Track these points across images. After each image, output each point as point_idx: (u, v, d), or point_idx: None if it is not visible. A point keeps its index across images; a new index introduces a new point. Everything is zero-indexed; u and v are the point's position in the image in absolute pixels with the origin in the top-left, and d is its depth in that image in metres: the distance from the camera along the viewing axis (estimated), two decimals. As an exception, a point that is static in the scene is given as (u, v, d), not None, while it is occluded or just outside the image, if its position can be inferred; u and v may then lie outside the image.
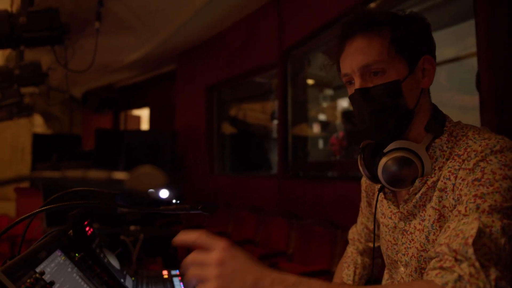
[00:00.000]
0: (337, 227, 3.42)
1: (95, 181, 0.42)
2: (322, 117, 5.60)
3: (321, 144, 5.49)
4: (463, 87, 3.57)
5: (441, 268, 0.79)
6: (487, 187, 0.88)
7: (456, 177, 0.97)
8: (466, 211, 0.88)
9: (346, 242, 3.22)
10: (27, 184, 8.77)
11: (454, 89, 3.76)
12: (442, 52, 3.47)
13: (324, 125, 5.48)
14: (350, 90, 1.10)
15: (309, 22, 4.23)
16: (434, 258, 0.84)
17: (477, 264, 0.77)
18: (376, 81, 1.04)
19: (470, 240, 0.80)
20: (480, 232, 0.82)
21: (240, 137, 6.70)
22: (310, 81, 5.19)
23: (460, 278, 0.76)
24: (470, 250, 0.78)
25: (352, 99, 1.09)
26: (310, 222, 3.81)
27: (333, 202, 3.78)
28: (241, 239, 4.49)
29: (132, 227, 3.84)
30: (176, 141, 6.76)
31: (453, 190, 0.98)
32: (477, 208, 0.86)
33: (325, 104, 5.59)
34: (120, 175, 0.40)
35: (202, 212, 0.97)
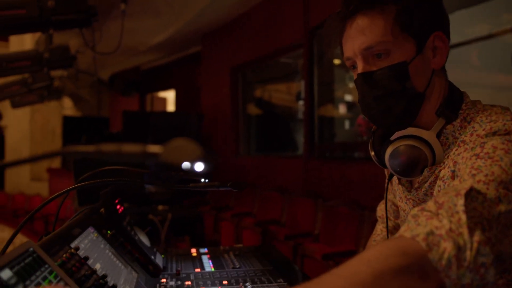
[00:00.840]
0: (363, 208, 3.41)
1: (130, 155, 0.42)
2: (348, 97, 5.52)
3: (347, 125, 5.43)
4: (497, 65, 3.44)
5: (416, 221, 0.67)
6: (485, 160, 0.79)
7: (455, 163, 0.91)
8: (459, 182, 0.78)
9: (372, 223, 3.20)
10: (59, 165, 9.01)
11: (486, 68, 3.64)
12: (474, 29, 3.36)
13: (350, 106, 5.41)
14: (354, 75, 1.03)
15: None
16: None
17: (463, 217, 0.65)
18: (380, 64, 0.96)
19: (463, 192, 0.69)
20: (472, 196, 0.70)
21: (265, 118, 6.69)
22: (336, 61, 5.11)
23: (433, 231, 0.64)
24: (461, 202, 0.67)
25: (356, 84, 1.02)
26: (336, 203, 3.79)
27: (359, 183, 3.75)
28: (267, 219, 4.52)
29: (160, 207, 3.92)
30: (202, 122, 6.81)
31: (452, 177, 0.91)
32: (473, 176, 0.76)
33: (351, 85, 5.51)
34: (154, 148, 0.40)
35: (231, 189, 0.98)
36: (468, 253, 0.62)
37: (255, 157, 6.34)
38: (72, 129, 9.33)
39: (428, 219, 0.65)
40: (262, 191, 5.11)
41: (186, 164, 0.36)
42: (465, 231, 0.63)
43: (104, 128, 9.49)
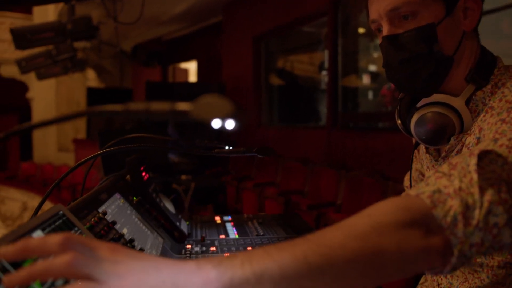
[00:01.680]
0: (387, 179, 3.38)
1: (158, 113, 0.41)
2: (372, 68, 5.41)
3: (370, 95, 5.34)
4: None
5: (425, 182, 0.64)
6: (511, 124, 0.75)
7: (481, 130, 0.86)
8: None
9: (397, 194, 3.18)
10: (84, 136, 9.17)
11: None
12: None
13: (374, 76, 5.30)
14: (380, 38, 0.99)
15: (361, -35, 4.01)
16: None
17: (475, 177, 0.61)
18: (406, 26, 0.92)
19: (476, 152, 0.65)
20: (492, 158, 0.66)
21: (287, 89, 6.63)
22: (361, 30, 4.99)
23: (441, 189, 0.61)
24: (473, 161, 0.64)
25: (381, 48, 0.98)
26: (359, 173, 3.77)
27: (383, 153, 3.71)
28: (289, 189, 4.54)
29: (183, 177, 3.97)
30: (224, 92, 6.79)
31: (477, 144, 0.86)
32: (495, 142, 0.72)
33: (376, 54, 5.39)
34: (184, 105, 0.39)
35: (257, 155, 0.97)
36: (477, 212, 0.59)
37: (277, 128, 6.32)
38: (96, 100, 9.43)
39: (438, 179, 0.63)
40: (285, 161, 5.11)
41: (216, 122, 0.35)
42: (475, 190, 0.60)
43: (127, 99, 9.58)
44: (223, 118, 0.37)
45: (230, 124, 0.37)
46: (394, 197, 0.64)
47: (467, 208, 0.59)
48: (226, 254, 1.24)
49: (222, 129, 0.38)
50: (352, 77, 5.06)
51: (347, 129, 4.56)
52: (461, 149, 0.95)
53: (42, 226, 0.69)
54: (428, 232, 0.58)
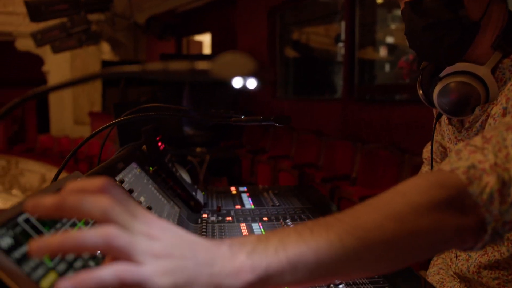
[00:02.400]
0: (404, 152, 3.34)
1: (177, 73, 0.40)
2: (390, 39, 5.29)
3: (387, 68, 5.25)
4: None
5: (458, 156, 0.61)
6: None
7: (508, 100, 0.83)
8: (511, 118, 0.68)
9: (413, 167, 3.15)
10: (100, 109, 9.24)
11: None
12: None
13: (392, 48, 5.20)
14: (402, 4, 0.95)
15: None
16: None
17: (511, 152, 0.58)
18: None
19: None
20: None
21: (303, 61, 6.54)
22: (379, 0, 4.87)
23: (475, 164, 0.58)
24: (511, 136, 0.60)
25: (403, 14, 0.95)
26: (375, 146, 3.74)
27: (400, 126, 3.66)
28: (304, 162, 4.53)
29: (198, 149, 3.99)
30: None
31: (503, 114, 0.84)
32: None
33: (393, 26, 5.26)
34: (203, 64, 0.38)
35: (274, 123, 0.95)
36: None
37: (293, 100, 6.28)
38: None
39: (471, 153, 0.60)
40: (299, 134, 5.09)
41: (237, 80, 0.33)
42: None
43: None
44: (245, 77, 0.35)
45: (252, 83, 0.35)
46: (426, 173, 0.62)
47: (503, 185, 0.56)
48: (242, 225, 1.24)
49: (244, 88, 0.37)
50: (369, 49, 4.97)
51: (363, 102, 4.50)
52: (486, 120, 0.92)
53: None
54: (463, 209, 0.56)
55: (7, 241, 0.49)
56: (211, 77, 0.37)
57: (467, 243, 0.57)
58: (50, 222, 0.60)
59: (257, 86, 0.36)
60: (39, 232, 0.55)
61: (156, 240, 0.45)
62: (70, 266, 0.55)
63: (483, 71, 0.91)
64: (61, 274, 0.52)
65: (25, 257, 0.49)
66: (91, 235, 0.42)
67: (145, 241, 0.44)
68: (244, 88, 0.37)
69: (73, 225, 0.63)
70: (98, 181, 0.45)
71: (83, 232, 0.42)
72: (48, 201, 0.44)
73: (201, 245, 0.47)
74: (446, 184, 0.57)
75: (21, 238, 0.52)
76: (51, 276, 0.50)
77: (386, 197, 0.56)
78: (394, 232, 0.52)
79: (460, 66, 0.93)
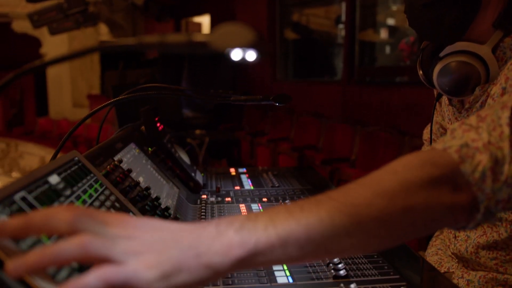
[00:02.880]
0: (404, 133, 3.33)
1: (174, 45, 0.39)
2: (390, 21, 5.24)
3: (388, 50, 5.21)
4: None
5: (452, 135, 0.60)
6: None
7: (507, 79, 0.81)
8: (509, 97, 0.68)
9: (413, 149, 3.14)
10: (98, 91, 9.19)
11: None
12: None
13: (392, 30, 5.14)
14: None
15: None
16: None
17: (506, 131, 0.57)
18: None
19: (510, 104, 0.60)
20: None
21: (303, 43, 6.48)
22: (380, -20, 4.80)
23: (468, 143, 0.57)
24: (506, 114, 0.59)
25: None
26: (375, 128, 3.73)
27: (401, 108, 3.65)
28: (303, 145, 4.52)
29: (197, 131, 3.97)
30: (238, 48, 6.66)
31: (502, 94, 0.82)
32: None
33: (394, 7, 5.20)
34: (201, 36, 0.37)
35: (274, 103, 0.94)
36: (506, 167, 0.55)
37: (292, 83, 6.24)
38: (109, 55, 9.36)
39: (465, 132, 0.59)
40: (299, 116, 5.07)
41: (236, 52, 0.32)
42: (506, 145, 0.56)
43: (141, 54, 9.49)
44: (244, 48, 0.34)
45: (251, 55, 0.34)
46: (419, 151, 0.61)
47: (496, 163, 0.56)
48: (241, 205, 1.24)
49: (242, 60, 0.36)
50: (369, 31, 4.92)
51: (364, 84, 4.48)
52: (486, 100, 0.91)
53: (58, 171, 0.68)
54: (455, 188, 0.55)
55: (3, 219, 0.49)
56: (209, 49, 0.36)
57: (460, 222, 0.57)
58: (47, 200, 0.60)
59: (256, 58, 0.35)
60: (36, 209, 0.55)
61: (133, 238, 0.44)
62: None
63: (483, 50, 0.89)
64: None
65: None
66: (67, 246, 0.42)
67: (122, 241, 0.44)
68: (243, 60, 0.36)
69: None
70: (65, 216, 0.44)
71: (58, 245, 0.42)
72: (14, 222, 0.43)
73: (184, 230, 0.47)
74: (438, 162, 0.56)
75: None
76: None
77: (377, 175, 0.56)
78: (384, 209, 0.51)
79: (460, 45, 0.92)
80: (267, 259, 0.48)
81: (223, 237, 0.46)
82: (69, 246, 0.42)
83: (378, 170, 0.56)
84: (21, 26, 8.59)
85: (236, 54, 0.35)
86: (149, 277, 0.42)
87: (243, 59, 0.35)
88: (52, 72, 9.38)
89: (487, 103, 0.89)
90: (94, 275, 0.41)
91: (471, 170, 0.55)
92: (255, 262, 0.47)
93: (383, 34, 5.13)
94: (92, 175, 0.78)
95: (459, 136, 0.59)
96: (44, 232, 0.44)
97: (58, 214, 0.43)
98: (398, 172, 0.55)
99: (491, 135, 0.58)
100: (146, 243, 0.44)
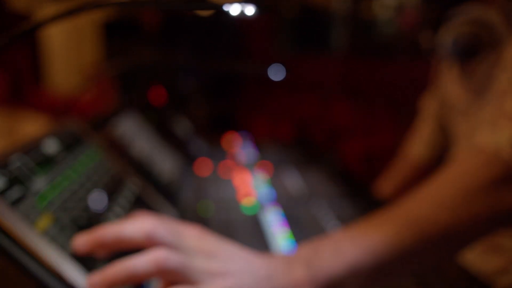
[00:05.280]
0: (403, 107, 3.32)
1: (171, 2, 0.38)
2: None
3: (390, 23, 5.14)
4: None
5: (493, 128, 0.58)
6: None
7: None
8: None
9: (412, 123, 3.14)
10: (100, 64, 9.12)
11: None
12: None
13: (395, 3, 5.06)
14: None
15: None
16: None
17: None
18: None
19: None
20: None
21: (302, 15, 6.39)
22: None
23: None
24: None
25: None
26: (375, 101, 3.72)
27: (400, 81, 3.63)
28: (303, 116, 4.52)
29: (197, 104, 3.96)
30: (236, 21, 6.58)
31: None
32: None
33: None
34: (198, -9, 0.35)
35: (272, 72, 0.90)
36: None
37: (291, 55, 6.18)
38: (110, 29, 9.24)
39: (507, 127, 0.56)
40: (298, 89, 5.04)
41: (235, 7, 0.31)
42: None
43: (142, 27, 9.36)
44: (243, 3, 0.33)
45: (249, 10, 0.33)
46: (468, 153, 0.59)
47: None
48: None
49: (241, 15, 0.34)
50: (371, 4, 4.86)
51: (364, 57, 4.44)
52: (495, 62, 0.90)
53: (55, 138, 0.68)
54: None
55: (0, 183, 0.48)
56: (206, 6, 0.35)
57: None
58: (44, 166, 0.59)
59: (255, 12, 0.34)
60: (33, 176, 0.55)
61: (212, 257, 0.43)
62: (65, 210, 0.55)
63: (492, 12, 0.87)
64: (58, 217, 0.52)
65: (19, 199, 0.48)
66: (141, 262, 0.40)
67: (200, 259, 0.42)
68: (241, 15, 0.34)
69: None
70: (142, 229, 0.43)
71: (132, 261, 0.41)
72: (86, 239, 0.43)
73: (257, 259, 0.45)
74: (493, 162, 0.55)
75: (15, 181, 0.51)
76: (46, 218, 0.50)
77: (434, 188, 0.54)
78: (451, 224, 0.50)
79: (468, 7, 0.90)
80: None
81: (293, 273, 0.45)
82: (145, 261, 0.40)
83: (431, 180, 0.54)
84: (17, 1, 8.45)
85: (234, 9, 0.34)
86: None
87: (242, 13, 0.34)
88: (49, 49, 9.29)
89: (500, 69, 0.87)
90: None
91: None
92: None
93: (385, 7, 5.06)
94: (90, 143, 0.78)
95: (503, 131, 0.57)
96: (120, 244, 0.43)
97: (134, 224, 0.42)
98: (455, 180, 0.53)
99: None
100: (225, 265, 0.43)
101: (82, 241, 0.43)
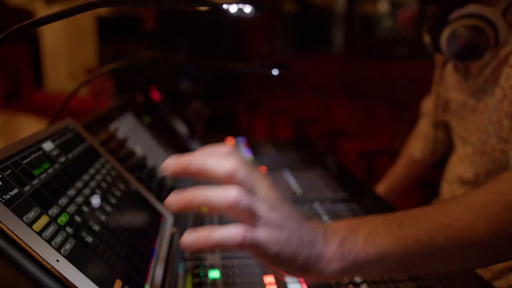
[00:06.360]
0: (402, 107, 3.32)
1: (171, 0, 0.37)
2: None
3: (388, 22, 5.13)
4: None
5: None
6: None
7: None
8: None
9: (411, 122, 3.13)
10: (96, 64, 9.10)
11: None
12: None
13: (393, 3, 5.06)
14: None
15: None
16: None
17: None
18: None
19: None
20: None
21: (302, 15, 6.39)
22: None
23: None
24: None
25: None
26: (374, 101, 3.71)
27: (400, 81, 3.62)
28: (302, 117, 4.51)
29: (195, 104, 3.95)
30: (236, 20, 6.58)
31: None
32: None
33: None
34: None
35: (273, 68, 0.91)
36: None
37: (291, 55, 6.18)
38: (106, 29, 9.22)
39: None
40: (298, 89, 5.04)
41: (233, 6, 0.31)
42: None
43: (138, 27, 9.35)
44: (241, 1, 0.32)
45: (248, 8, 0.33)
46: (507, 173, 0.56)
47: None
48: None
49: (240, 13, 0.34)
50: (369, 3, 4.85)
51: (363, 57, 4.43)
52: (498, 66, 0.89)
53: (52, 137, 0.67)
54: None
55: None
56: (205, 3, 0.34)
57: None
58: (40, 166, 0.58)
59: (253, 11, 0.33)
60: (29, 175, 0.54)
61: (274, 209, 0.47)
62: (62, 211, 0.54)
63: (493, 13, 0.86)
64: (55, 217, 0.51)
65: (16, 200, 0.48)
66: (218, 195, 0.45)
67: (265, 208, 0.46)
68: (240, 13, 0.34)
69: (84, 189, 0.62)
70: (224, 147, 0.48)
71: (211, 192, 0.45)
72: (180, 160, 0.47)
73: (305, 224, 0.49)
74: None
75: (11, 181, 0.50)
76: (43, 218, 0.49)
77: (478, 196, 0.52)
78: (488, 234, 0.49)
79: (469, 8, 0.89)
80: (362, 273, 0.50)
81: (328, 247, 0.48)
82: (221, 196, 0.45)
83: (477, 189, 0.53)
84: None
85: (233, 8, 0.33)
86: (272, 251, 0.46)
87: (241, 12, 0.34)
88: (47, 46, 9.27)
89: (504, 72, 0.86)
90: (234, 232, 0.45)
91: None
92: (350, 274, 0.50)
93: (384, 6, 5.06)
94: (87, 142, 0.77)
95: None
96: (202, 174, 0.47)
97: (219, 160, 0.46)
98: (501, 193, 0.52)
99: None
100: (281, 219, 0.47)
101: (172, 162, 0.48)
